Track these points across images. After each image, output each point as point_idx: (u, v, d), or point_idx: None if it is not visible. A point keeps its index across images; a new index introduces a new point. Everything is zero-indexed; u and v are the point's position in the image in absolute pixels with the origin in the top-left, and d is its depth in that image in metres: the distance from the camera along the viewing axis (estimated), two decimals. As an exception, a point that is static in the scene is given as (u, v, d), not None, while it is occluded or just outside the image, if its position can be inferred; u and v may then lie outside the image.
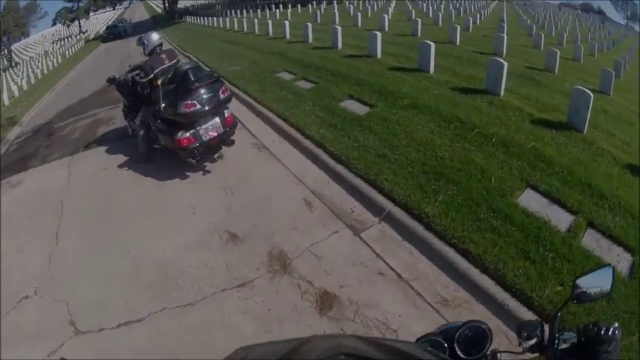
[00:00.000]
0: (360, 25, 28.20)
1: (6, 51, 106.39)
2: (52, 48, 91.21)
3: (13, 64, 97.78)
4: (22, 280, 6.15)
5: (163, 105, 7.61)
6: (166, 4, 77.76)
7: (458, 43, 19.47)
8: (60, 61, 53.59)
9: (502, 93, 10.20)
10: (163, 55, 8.27)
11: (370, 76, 11.74)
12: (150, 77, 7.95)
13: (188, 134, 7.49)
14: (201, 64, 14.18)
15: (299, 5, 56.35)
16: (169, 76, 7.95)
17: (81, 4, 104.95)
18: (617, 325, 1.84)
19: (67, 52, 64.10)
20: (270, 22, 27.32)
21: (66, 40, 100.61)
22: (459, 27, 20.47)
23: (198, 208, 6.93)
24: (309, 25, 20.91)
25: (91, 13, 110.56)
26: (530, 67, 16.08)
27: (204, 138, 7.65)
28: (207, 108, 7.50)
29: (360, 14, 30.42)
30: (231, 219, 6.49)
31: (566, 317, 3.92)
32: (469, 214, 5.64)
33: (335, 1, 55.96)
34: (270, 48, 19.87)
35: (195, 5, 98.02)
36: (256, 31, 28.78)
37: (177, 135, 7.46)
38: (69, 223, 7.36)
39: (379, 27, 24.69)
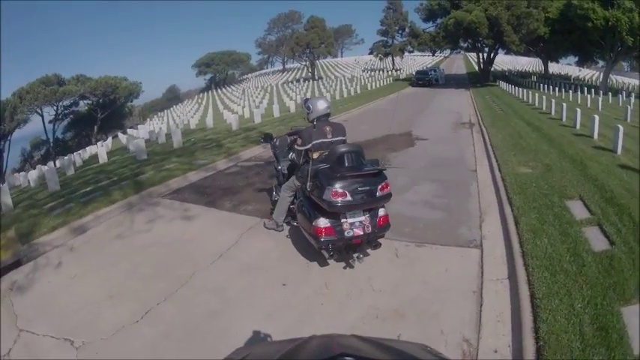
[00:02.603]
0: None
1: (309, 63, 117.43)
2: (361, 75, 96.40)
3: (316, 77, 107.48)
4: (85, 324, 5.73)
5: (310, 184, 6.65)
6: (481, 63, 74.98)
7: None
8: (359, 91, 55.24)
9: None
10: (327, 128, 7.20)
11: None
12: (306, 147, 7.08)
13: (329, 224, 6.37)
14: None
15: (610, 94, 49.65)
16: (326, 152, 6.90)
17: (395, 42, 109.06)
18: None
19: (370, 84, 66.35)
20: (579, 111, 22.64)
21: (377, 72, 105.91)
22: None
23: None
24: (620, 128, 15.68)
25: (407, 53, 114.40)
26: None
27: (346, 234, 6.39)
28: (358, 201, 6.32)
29: None
30: None
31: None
32: None
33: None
34: (573, 150, 15.52)
35: (512, 71, 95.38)
36: (563, 119, 24.49)
37: (317, 221, 6.39)
38: (167, 310, 6.09)
39: None
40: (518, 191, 10.82)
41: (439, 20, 72.31)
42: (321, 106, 7.38)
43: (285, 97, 61.02)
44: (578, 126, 21.88)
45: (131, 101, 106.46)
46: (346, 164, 6.49)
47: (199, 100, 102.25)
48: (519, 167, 13.43)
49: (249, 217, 9.56)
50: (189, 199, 10.95)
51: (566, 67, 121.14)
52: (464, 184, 12.41)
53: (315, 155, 7.12)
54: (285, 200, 7.89)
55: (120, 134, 58.91)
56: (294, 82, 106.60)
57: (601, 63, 79.60)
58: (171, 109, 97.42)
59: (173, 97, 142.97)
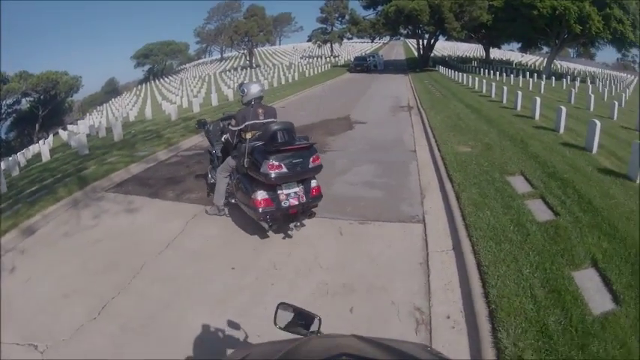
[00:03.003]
0: (615, 117, 23.14)
1: (247, 51, 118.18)
2: (299, 62, 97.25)
3: (254, 65, 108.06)
4: (46, 326, 5.65)
5: (247, 160, 7.22)
6: (421, 50, 76.68)
7: None
8: (296, 78, 55.74)
9: None
10: (260, 110, 7.86)
11: (627, 223, 7.68)
12: (240, 128, 7.73)
13: (267, 196, 7.02)
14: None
15: (553, 78, 51.91)
16: (259, 132, 7.56)
17: (335, 29, 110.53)
18: None
19: (308, 71, 66.93)
20: (519, 93, 23.59)
21: (315, 58, 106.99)
22: None
23: None
24: (563, 109, 16.55)
25: (346, 40, 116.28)
26: None
27: (283, 204, 7.06)
28: (292, 173, 7.00)
29: (616, 104, 24.32)
30: None
31: None
32: None
33: (589, 80, 50.92)
34: (514, 130, 16.28)
35: (452, 56, 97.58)
36: (504, 101, 25.40)
37: (256, 194, 7.02)
38: (122, 304, 6.14)
39: (636, 126, 20.20)
40: (459, 169, 11.26)
41: (380, 7, 73.44)
42: (255, 89, 8.02)
43: (224, 86, 60.82)
44: (519, 108, 22.75)
45: (71, 96, 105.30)
46: (279, 140, 7.12)
47: (138, 92, 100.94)
48: (459, 146, 13.91)
49: (193, 205, 9.78)
50: (133, 191, 11.03)
51: (508, 52, 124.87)
52: (403, 164, 12.83)
53: (249, 135, 7.60)
54: (222, 182, 8.32)
55: (60, 131, 57.36)
56: (232, 71, 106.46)
57: (545, 49, 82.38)
58: (110, 102, 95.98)
59: (112, 91, 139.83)
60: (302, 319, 2.43)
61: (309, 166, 7.19)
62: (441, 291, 6.21)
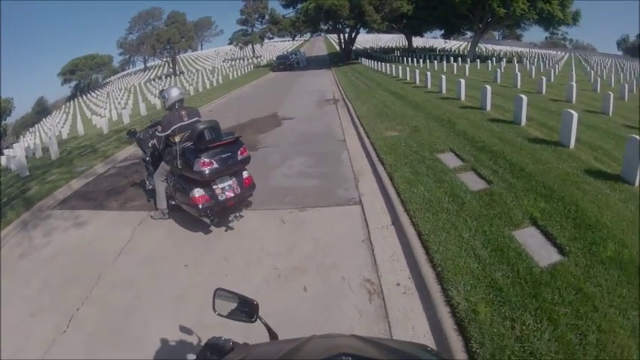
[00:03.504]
0: (544, 91, 24.77)
1: (170, 59, 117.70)
2: (222, 66, 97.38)
3: (178, 72, 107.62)
4: (17, 348, 5.74)
5: (180, 162, 7.72)
6: (342, 44, 78.01)
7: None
8: (220, 82, 55.87)
9: None
10: (183, 112, 8.37)
11: (563, 184, 8.37)
12: (167, 133, 8.25)
13: (204, 192, 7.57)
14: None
15: (478, 60, 53.84)
16: (187, 134, 8.13)
17: (255, 30, 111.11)
18: None
19: (232, 73, 67.18)
20: (443, 77, 24.54)
21: (238, 61, 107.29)
22: None
23: None
24: (488, 88, 17.55)
25: (267, 40, 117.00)
26: None
27: (220, 198, 7.65)
28: (224, 168, 7.60)
29: (544, 79, 26.27)
30: None
31: None
32: None
33: (515, 60, 53.03)
34: (440, 111, 17.04)
35: (374, 48, 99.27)
36: (429, 86, 26.25)
37: (193, 192, 7.54)
38: (87, 313, 6.35)
39: (566, 97, 21.84)
40: (389, 152, 11.82)
41: (299, 5, 73.89)
42: (174, 93, 8.52)
43: (150, 96, 60.42)
44: (444, 91, 23.65)
45: (5, 119, 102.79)
46: (207, 138, 7.66)
47: (67, 110, 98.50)
48: (387, 132, 14.49)
49: (138, 212, 10.11)
50: (78, 206, 11.28)
51: (431, 40, 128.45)
52: (335, 154, 13.27)
53: (177, 138, 8.18)
54: (160, 186, 8.85)
55: None
56: (157, 80, 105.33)
57: (469, 34, 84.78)
58: (42, 122, 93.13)
59: (42, 110, 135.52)
60: (242, 306, 2.54)
61: (239, 159, 7.78)
62: (387, 262, 6.67)
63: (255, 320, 2.45)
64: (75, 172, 14.44)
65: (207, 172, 7.37)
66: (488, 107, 17.12)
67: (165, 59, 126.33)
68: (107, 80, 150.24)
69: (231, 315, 2.51)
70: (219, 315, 2.52)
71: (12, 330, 6.16)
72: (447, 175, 9.48)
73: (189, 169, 7.55)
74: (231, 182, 7.81)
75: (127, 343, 5.55)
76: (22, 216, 10.79)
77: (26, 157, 28.18)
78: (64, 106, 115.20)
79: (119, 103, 65.76)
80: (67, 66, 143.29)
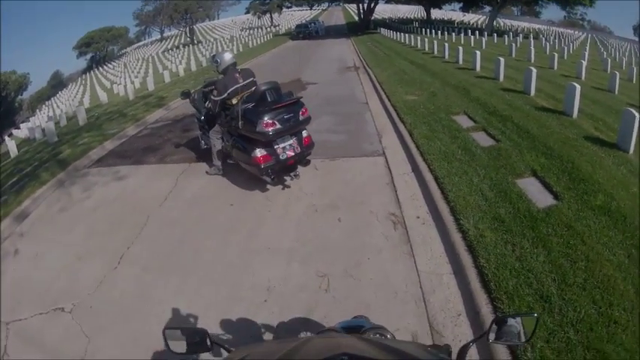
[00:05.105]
0: (556, 67, 25.36)
1: (187, 28, 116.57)
2: (240, 35, 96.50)
3: (195, 41, 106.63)
4: (67, 289, 6.17)
5: (242, 122, 7.81)
6: (361, 14, 77.95)
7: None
8: (241, 49, 55.63)
9: None
10: (237, 74, 8.50)
11: (562, 146, 9.36)
12: (223, 97, 8.33)
13: (266, 152, 7.74)
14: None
15: (495, 34, 54.06)
16: (247, 94, 8.35)
17: None
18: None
19: (251, 42, 66.77)
20: (460, 49, 25.04)
21: (256, 30, 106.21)
22: None
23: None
24: (502, 60, 18.32)
25: (285, 9, 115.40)
26: None
27: (281, 157, 7.87)
28: (286, 128, 7.76)
29: (556, 55, 27.02)
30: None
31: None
32: None
33: (532, 36, 53.16)
34: (456, 80, 17.84)
35: (392, 19, 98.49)
36: (446, 57, 26.81)
37: (255, 152, 7.72)
38: (139, 250, 7.02)
39: (576, 74, 22.37)
40: (408, 112, 12.82)
41: (319, -27, 73.51)
42: (227, 57, 8.70)
43: (171, 65, 60.11)
44: (460, 62, 24.13)
45: (21, 94, 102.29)
46: (269, 99, 7.79)
47: (83, 82, 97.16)
48: (406, 96, 15.40)
49: (178, 164, 10.68)
50: (115, 163, 11.57)
51: (450, 12, 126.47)
52: (359, 114, 14.21)
53: (235, 101, 8.40)
54: (217, 144, 9.10)
55: (14, 131, 55.35)
56: (174, 49, 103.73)
57: (488, 8, 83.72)
58: (57, 95, 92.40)
59: (57, 84, 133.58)
60: (193, 337, 2.29)
61: (300, 119, 8.02)
62: (408, 200, 7.82)
63: (212, 348, 2.29)
64: (107, 134, 14.77)
65: (270, 132, 7.51)
66: (501, 78, 17.85)
67: (182, 29, 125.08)
68: (123, 51, 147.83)
69: (189, 350, 2.28)
70: (178, 354, 2.29)
71: (56, 275, 6.59)
72: (461, 133, 10.52)
73: (252, 129, 7.65)
74: (291, 141, 8.01)
75: (178, 272, 6.23)
76: (57, 176, 11.14)
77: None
78: (80, 78, 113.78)
79: (138, 73, 65.15)
80: (82, 39, 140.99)
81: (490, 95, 14.52)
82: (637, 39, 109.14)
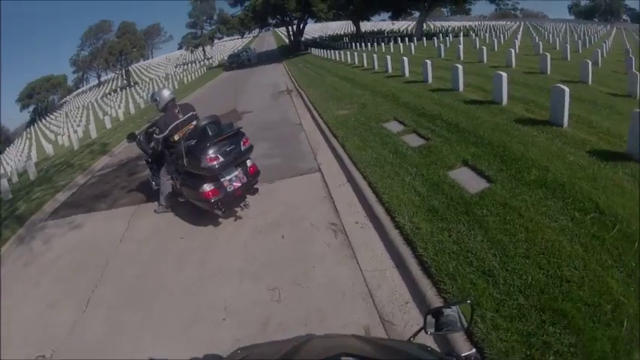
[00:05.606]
0: (485, 60, 26.39)
1: (123, 71, 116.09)
2: (174, 71, 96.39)
3: (132, 83, 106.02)
4: (44, 336, 6.28)
5: (187, 160, 7.88)
6: (291, 36, 79.07)
7: (590, 82, 17.07)
8: (177, 86, 55.75)
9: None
10: (177, 110, 8.64)
11: (492, 133, 9.87)
12: (165, 134, 8.45)
13: (213, 186, 7.86)
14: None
15: (425, 38, 55.34)
16: (189, 130, 8.48)
17: (205, 32, 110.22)
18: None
19: (186, 78, 66.94)
20: (389, 58, 25.77)
21: (190, 65, 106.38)
22: (590, 62, 17.68)
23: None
24: (428, 62, 19.09)
25: (217, 40, 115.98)
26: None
27: (228, 189, 8.03)
28: (230, 160, 7.90)
29: (485, 48, 28.19)
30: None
31: None
32: None
33: (462, 34, 54.64)
34: (386, 88, 18.41)
35: (323, 37, 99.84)
36: (376, 67, 27.56)
37: (203, 187, 7.81)
38: (104, 291, 7.20)
39: (506, 63, 23.32)
40: (340, 127, 13.27)
41: (247, 3, 74.08)
42: (166, 94, 8.79)
43: (111, 110, 59.76)
44: (390, 70, 24.84)
45: None
46: (210, 133, 7.95)
47: (28, 136, 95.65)
48: (338, 111, 15.86)
49: (128, 207, 10.88)
50: (69, 213, 11.68)
51: (380, 23, 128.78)
52: (293, 135, 14.62)
53: (177, 137, 8.50)
54: (166, 184, 9.24)
55: None
56: (112, 94, 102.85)
57: (417, 13, 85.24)
58: (6, 152, 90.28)
59: (4, 140, 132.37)
60: None
61: (242, 149, 8.17)
62: (346, 208, 8.22)
63: None
64: (58, 186, 14.88)
65: (216, 166, 7.65)
66: (430, 80, 18.58)
67: (118, 72, 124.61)
68: (63, 100, 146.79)
69: None
70: None
71: (31, 323, 6.76)
72: (391, 139, 10.96)
73: (197, 165, 7.73)
74: (237, 172, 8.20)
75: (143, 306, 6.44)
76: (17, 232, 11.12)
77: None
78: (25, 132, 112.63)
79: (80, 121, 64.83)
80: (24, 91, 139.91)
81: (419, 98, 15.11)
82: (573, 17, 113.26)
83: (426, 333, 2.22)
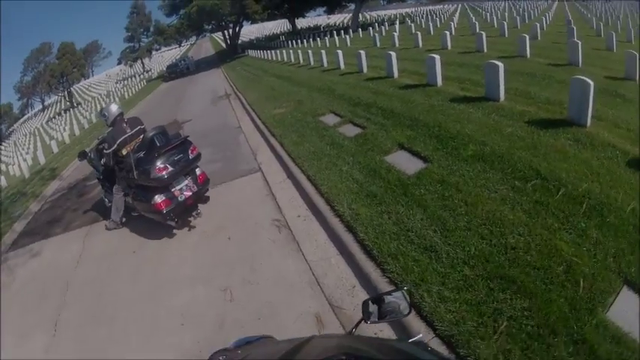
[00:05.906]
0: (421, 45, 26.81)
1: (65, 92, 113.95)
2: (115, 88, 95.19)
3: (75, 104, 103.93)
4: None
5: (136, 172, 7.88)
6: (228, 40, 78.82)
7: (528, 55, 17.64)
8: (119, 103, 54.86)
9: (589, 122, 8.22)
10: (124, 125, 8.61)
11: (427, 114, 10.16)
12: (113, 148, 8.43)
13: (164, 197, 7.85)
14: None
15: (360, 30, 55.79)
16: (137, 144, 8.50)
17: (142, 44, 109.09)
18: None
19: (127, 93, 66.36)
20: (324, 52, 26.13)
21: (130, 79, 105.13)
22: (527, 37, 18.27)
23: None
24: (362, 52, 19.34)
25: (155, 52, 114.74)
26: (610, 76, 13.51)
27: (179, 199, 8.04)
28: (179, 168, 7.94)
29: (420, 34, 28.52)
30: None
31: None
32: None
33: (398, 21, 55.26)
34: (322, 83, 18.68)
35: (260, 38, 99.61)
36: (311, 63, 27.75)
37: (155, 199, 7.78)
38: (69, 313, 7.24)
39: (442, 45, 23.77)
40: (277, 125, 13.46)
41: (182, 11, 73.49)
42: (114, 109, 8.89)
43: (56, 133, 58.55)
44: (325, 64, 25.19)
45: None
46: (158, 144, 7.99)
47: None
48: (275, 110, 16.06)
49: (81, 228, 10.89)
50: (28, 242, 11.68)
51: (316, 18, 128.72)
52: (233, 138, 14.83)
53: (125, 151, 8.52)
54: (119, 200, 9.24)
55: None
56: (57, 117, 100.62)
57: (352, 6, 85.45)
58: None
59: None
60: None
61: (190, 157, 8.25)
62: (288, 204, 8.44)
63: None
64: (14, 217, 14.88)
65: (165, 176, 7.67)
66: (365, 69, 18.82)
67: (60, 94, 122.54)
68: (11, 129, 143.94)
69: None
70: None
71: (8, 355, 6.78)
72: (328, 131, 11.19)
73: (147, 177, 7.76)
74: (187, 181, 8.24)
75: (109, 323, 6.55)
76: None
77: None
78: None
79: (28, 149, 63.81)
80: None
81: (354, 88, 15.42)
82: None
83: (367, 322, 2.29)
